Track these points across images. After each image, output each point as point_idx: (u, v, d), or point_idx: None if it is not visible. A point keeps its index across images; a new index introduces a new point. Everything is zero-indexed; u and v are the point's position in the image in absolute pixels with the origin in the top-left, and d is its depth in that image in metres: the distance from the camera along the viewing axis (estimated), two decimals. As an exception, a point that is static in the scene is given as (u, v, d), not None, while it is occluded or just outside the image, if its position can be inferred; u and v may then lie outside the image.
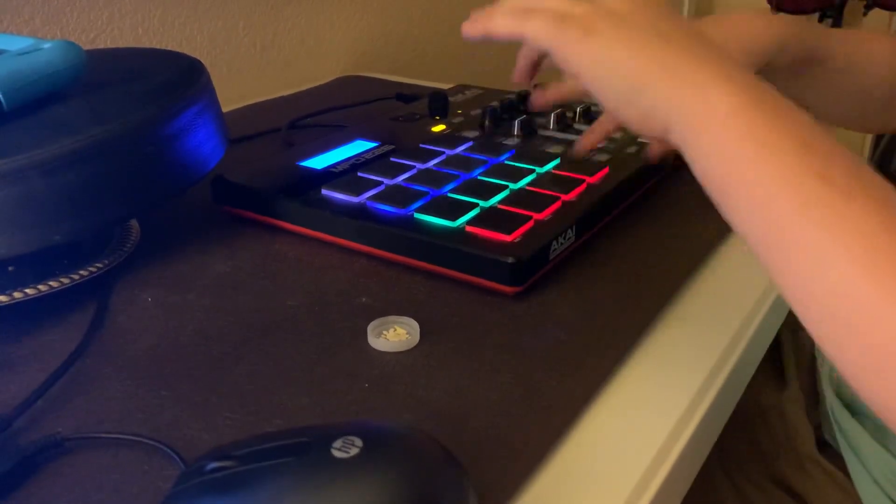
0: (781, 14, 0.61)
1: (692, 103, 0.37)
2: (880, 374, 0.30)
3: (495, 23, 0.43)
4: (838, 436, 0.57)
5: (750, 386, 0.51)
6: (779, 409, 0.66)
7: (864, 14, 2.28)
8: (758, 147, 0.34)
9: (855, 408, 0.56)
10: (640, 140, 0.70)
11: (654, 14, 0.40)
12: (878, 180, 0.33)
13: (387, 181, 0.60)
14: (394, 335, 0.46)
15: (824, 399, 0.62)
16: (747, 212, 0.35)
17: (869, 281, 0.30)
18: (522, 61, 0.52)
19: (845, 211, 0.32)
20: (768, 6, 2.27)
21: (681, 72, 0.37)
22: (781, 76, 0.63)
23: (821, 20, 2.34)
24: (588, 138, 0.60)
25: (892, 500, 0.50)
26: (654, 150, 0.59)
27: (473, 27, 0.45)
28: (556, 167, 0.63)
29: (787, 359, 0.69)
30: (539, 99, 0.63)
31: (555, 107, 0.70)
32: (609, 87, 0.40)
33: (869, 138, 2.48)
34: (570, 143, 0.68)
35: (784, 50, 0.60)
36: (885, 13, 2.30)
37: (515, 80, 0.54)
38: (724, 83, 0.36)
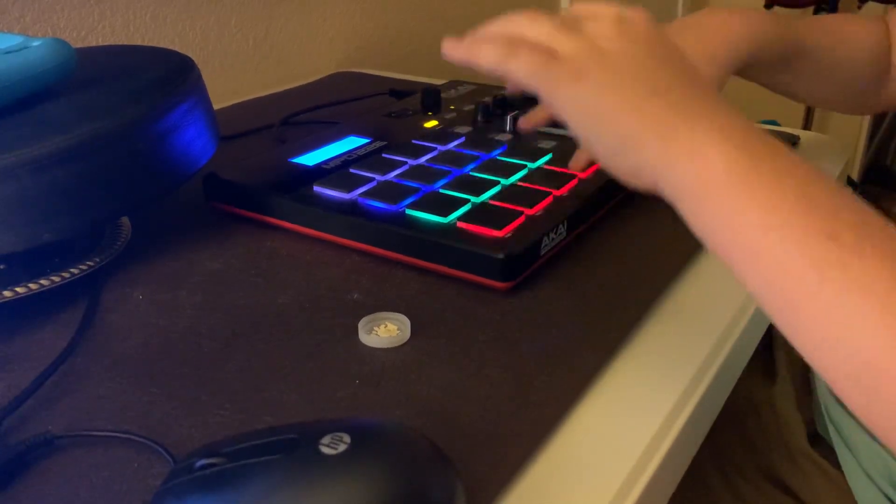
0: (760, 11, 0.61)
1: (687, 169, 0.35)
2: None
3: (481, 52, 0.40)
4: (830, 429, 0.57)
5: (741, 381, 0.51)
6: (770, 403, 0.66)
7: (859, 7, 2.28)
8: (762, 213, 0.33)
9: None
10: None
11: (646, 54, 0.38)
12: (885, 227, 0.32)
13: (379, 177, 0.60)
14: (385, 331, 0.46)
15: (817, 393, 0.62)
16: (757, 279, 0.34)
17: (889, 344, 0.29)
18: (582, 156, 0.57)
19: (858, 272, 0.30)
20: (763, 1, 2.27)
21: (673, 133, 0.35)
22: (765, 72, 0.63)
23: (815, 13, 2.34)
24: (537, 115, 0.57)
25: (883, 493, 0.50)
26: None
27: (456, 50, 0.41)
28: (547, 163, 0.63)
29: (778, 353, 0.69)
30: (525, 124, 0.59)
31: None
32: (597, 137, 0.38)
33: (863, 136, 2.48)
34: (562, 139, 0.68)
35: (763, 49, 0.60)
36: (880, 6, 2.30)
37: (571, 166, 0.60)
38: (718, 143, 0.34)
